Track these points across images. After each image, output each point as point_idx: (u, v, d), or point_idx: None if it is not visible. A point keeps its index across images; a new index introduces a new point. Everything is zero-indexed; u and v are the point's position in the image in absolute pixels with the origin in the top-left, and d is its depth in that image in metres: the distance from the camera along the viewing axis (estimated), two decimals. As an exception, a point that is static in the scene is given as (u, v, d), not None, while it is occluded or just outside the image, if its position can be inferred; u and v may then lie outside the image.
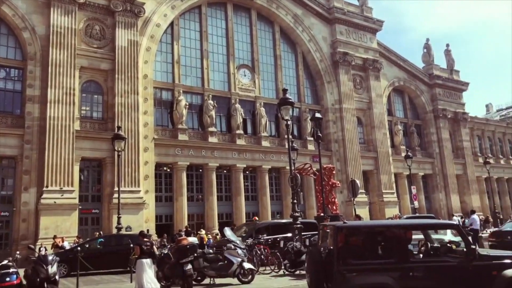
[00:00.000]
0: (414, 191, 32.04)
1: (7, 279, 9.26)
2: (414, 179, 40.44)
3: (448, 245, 8.45)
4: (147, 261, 11.52)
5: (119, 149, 21.59)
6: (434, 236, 9.47)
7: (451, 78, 48.95)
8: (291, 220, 17.29)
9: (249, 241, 16.28)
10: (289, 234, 17.64)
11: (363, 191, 36.24)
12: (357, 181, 25.66)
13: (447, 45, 51.13)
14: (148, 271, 11.49)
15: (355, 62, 40.15)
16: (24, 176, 24.30)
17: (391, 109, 44.49)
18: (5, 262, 9.95)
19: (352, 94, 39.27)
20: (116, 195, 22.95)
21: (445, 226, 10.63)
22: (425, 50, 48.95)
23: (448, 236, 11.75)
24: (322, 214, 23.26)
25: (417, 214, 29.53)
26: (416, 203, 31.98)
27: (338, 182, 28.20)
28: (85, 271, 16.45)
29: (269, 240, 15.89)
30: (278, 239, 16.77)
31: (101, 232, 23.88)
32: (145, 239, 12.02)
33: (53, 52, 25.54)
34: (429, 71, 47.45)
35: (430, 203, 44.70)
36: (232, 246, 13.33)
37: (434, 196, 44.96)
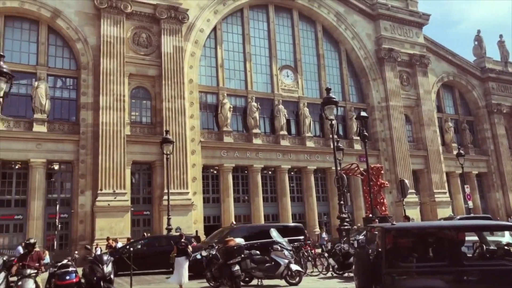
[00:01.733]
0: (467, 190, 30.71)
1: (67, 277, 9.80)
2: (468, 178, 38.72)
3: (506, 247, 8.05)
4: (182, 259, 13.29)
5: (168, 152, 22.30)
6: (490, 238, 9.06)
7: (505, 71, 46.37)
8: (268, 224, 16.94)
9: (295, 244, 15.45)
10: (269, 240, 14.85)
11: (413, 191, 35.16)
12: (406, 181, 24.92)
13: (501, 36, 48.38)
14: (183, 267, 13.19)
15: (401, 58, 39.04)
16: (80, 179, 25.63)
17: (440, 105, 42.86)
18: (65, 261, 10.50)
19: (399, 91, 38.21)
20: (165, 197, 23.69)
21: (501, 228, 10.12)
22: (476, 43, 46.70)
23: (506, 238, 11.17)
24: (370, 215, 22.90)
25: (471, 215, 28.23)
26: (470, 203, 30.65)
27: (386, 182, 27.54)
28: (129, 271, 16.93)
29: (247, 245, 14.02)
30: (255, 245, 15.58)
31: (145, 233, 24.57)
32: (182, 240, 13.78)
33: (104, 61, 26.80)
34: (481, 64, 45.22)
35: (486, 203, 42.57)
36: (279, 248, 13.33)
37: (490, 195, 42.76)
